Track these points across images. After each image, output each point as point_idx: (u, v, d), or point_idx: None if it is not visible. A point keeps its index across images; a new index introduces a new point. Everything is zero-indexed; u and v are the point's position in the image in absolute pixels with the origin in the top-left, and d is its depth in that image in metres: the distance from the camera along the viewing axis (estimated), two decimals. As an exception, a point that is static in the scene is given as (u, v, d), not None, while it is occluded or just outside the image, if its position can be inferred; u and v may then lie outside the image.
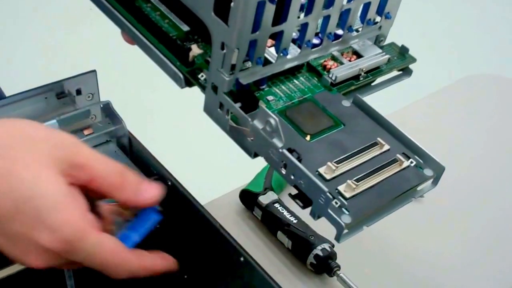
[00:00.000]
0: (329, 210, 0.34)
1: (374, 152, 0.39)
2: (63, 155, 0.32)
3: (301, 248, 0.59)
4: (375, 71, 0.45)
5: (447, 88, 0.89)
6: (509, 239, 0.66)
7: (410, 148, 0.40)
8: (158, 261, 0.37)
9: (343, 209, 0.35)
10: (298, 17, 0.39)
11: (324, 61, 0.44)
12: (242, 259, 0.46)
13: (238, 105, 0.38)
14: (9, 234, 0.32)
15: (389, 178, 0.37)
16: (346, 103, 0.42)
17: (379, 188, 0.37)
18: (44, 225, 0.31)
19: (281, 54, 0.41)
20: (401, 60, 0.46)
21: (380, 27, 0.46)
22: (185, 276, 0.51)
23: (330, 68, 0.44)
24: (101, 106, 0.53)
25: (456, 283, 0.62)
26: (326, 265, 0.58)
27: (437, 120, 0.81)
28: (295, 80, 0.43)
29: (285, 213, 0.61)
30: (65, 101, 0.52)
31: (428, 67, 1.80)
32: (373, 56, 0.45)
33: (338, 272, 0.58)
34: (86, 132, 0.53)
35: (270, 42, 0.41)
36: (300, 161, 0.36)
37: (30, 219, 0.31)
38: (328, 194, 0.34)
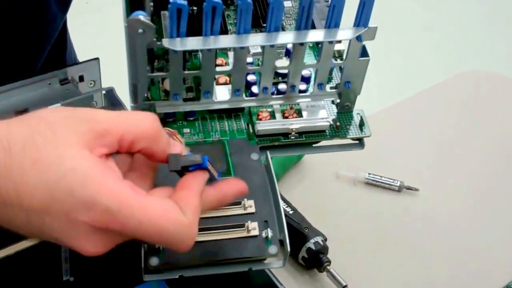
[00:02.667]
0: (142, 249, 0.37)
1: (235, 210, 0.40)
2: (84, 129, 0.31)
3: (294, 240, 0.57)
4: (316, 134, 0.45)
5: (441, 84, 0.85)
6: (504, 239, 0.66)
7: (276, 220, 0.40)
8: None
9: (156, 253, 0.38)
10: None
11: (261, 111, 0.46)
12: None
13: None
14: (53, 226, 0.31)
15: (229, 240, 0.39)
16: (255, 156, 0.44)
17: (212, 245, 0.38)
18: (80, 202, 0.30)
19: (205, 97, 0.44)
20: (353, 132, 0.46)
21: (340, 94, 0.46)
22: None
23: (261, 119, 0.45)
24: (104, 92, 0.55)
25: (449, 281, 0.62)
26: (317, 260, 0.58)
27: (431, 116, 0.78)
28: (226, 121, 0.46)
29: (282, 203, 0.61)
30: (68, 87, 0.54)
31: (426, 62, 1.73)
32: (313, 119, 0.45)
33: (328, 267, 0.58)
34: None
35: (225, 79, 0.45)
36: None
37: (66, 201, 0.30)
38: None
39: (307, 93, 0.46)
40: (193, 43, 0.39)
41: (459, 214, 0.68)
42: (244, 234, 0.40)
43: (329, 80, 0.47)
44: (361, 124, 0.47)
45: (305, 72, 0.47)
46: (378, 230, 0.65)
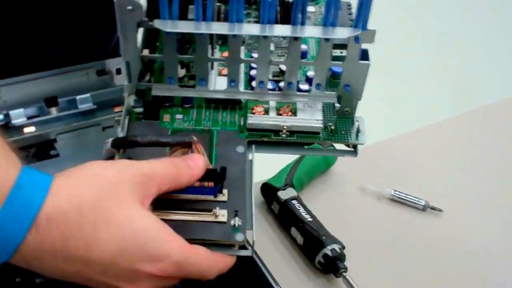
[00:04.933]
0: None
1: (201, 200, 0.40)
2: (137, 184, 0.35)
3: (311, 246, 0.60)
4: (308, 135, 0.44)
5: (478, 110, 0.81)
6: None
7: (247, 212, 0.40)
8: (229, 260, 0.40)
9: None
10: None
11: (257, 105, 0.45)
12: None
13: (139, 109, 0.45)
14: (118, 272, 0.35)
15: (196, 222, 0.39)
16: (241, 149, 0.43)
17: (179, 225, 0.39)
18: (152, 256, 0.35)
19: (200, 85, 0.44)
20: (347, 138, 0.45)
21: (340, 98, 0.45)
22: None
23: (255, 113, 0.45)
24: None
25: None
26: (333, 265, 0.59)
27: (465, 140, 0.75)
28: (221, 113, 0.46)
29: (301, 210, 0.62)
30: (104, 78, 0.55)
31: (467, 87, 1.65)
32: (306, 120, 0.44)
33: (344, 273, 0.59)
34: (116, 109, 0.55)
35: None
36: None
37: (138, 253, 0.35)
38: None
39: (304, 93, 0.45)
40: (183, 26, 0.39)
41: (482, 241, 0.65)
42: (212, 219, 0.39)
43: (335, 85, 0.46)
44: (358, 131, 0.45)
45: (310, 73, 0.46)
46: (398, 246, 0.64)
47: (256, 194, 0.64)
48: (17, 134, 0.49)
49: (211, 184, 0.40)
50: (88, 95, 0.53)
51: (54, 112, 0.52)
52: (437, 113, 1.16)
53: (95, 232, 0.34)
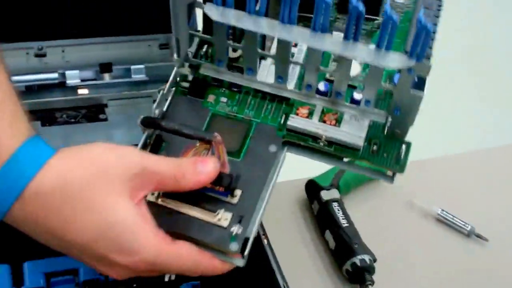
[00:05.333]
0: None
1: (212, 197, 0.40)
2: (134, 174, 0.36)
3: (342, 252, 0.59)
4: (347, 149, 0.42)
5: None
6: None
7: (252, 220, 0.39)
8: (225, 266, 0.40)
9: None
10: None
11: (303, 107, 0.43)
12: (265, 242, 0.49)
13: (186, 84, 0.44)
14: (93, 255, 0.36)
15: (197, 220, 0.39)
16: (273, 148, 0.42)
17: (181, 217, 0.39)
18: (124, 250, 0.35)
19: (247, 73, 0.43)
20: (386, 162, 0.41)
21: (387, 118, 0.41)
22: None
23: (297, 114, 0.43)
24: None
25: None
26: (360, 276, 0.57)
27: None
28: (267, 104, 0.44)
29: (340, 214, 0.61)
30: (165, 52, 0.55)
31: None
32: (346, 133, 0.41)
33: (370, 286, 0.57)
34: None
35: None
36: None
37: (111, 244, 0.35)
38: None
39: (352, 105, 0.42)
40: (229, 16, 0.38)
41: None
42: (213, 220, 0.39)
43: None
44: (399, 158, 0.42)
45: (356, 95, 0.42)
46: (434, 270, 0.61)
47: (300, 190, 0.64)
48: (71, 94, 0.52)
49: (221, 188, 0.39)
50: (142, 66, 0.53)
51: (107, 78, 0.53)
52: (496, 139, 1.13)
53: (75, 215, 0.35)
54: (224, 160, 0.39)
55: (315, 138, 0.42)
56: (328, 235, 0.60)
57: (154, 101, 0.53)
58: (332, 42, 0.37)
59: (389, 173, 0.42)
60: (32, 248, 0.43)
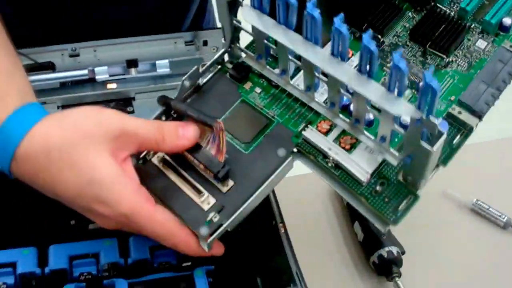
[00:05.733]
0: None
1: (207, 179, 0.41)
2: (114, 137, 0.38)
3: (369, 244, 0.58)
4: (350, 179, 0.40)
5: None
6: None
7: (231, 216, 0.40)
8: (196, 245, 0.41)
9: None
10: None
11: (325, 121, 0.43)
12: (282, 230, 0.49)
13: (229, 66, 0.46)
14: (78, 206, 0.39)
15: (183, 194, 0.41)
16: (282, 152, 0.42)
17: (171, 186, 0.42)
18: (103, 202, 0.38)
19: (280, 75, 0.43)
20: (383, 208, 0.39)
21: (400, 162, 0.39)
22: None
23: (317, 128, 0.42)
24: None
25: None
26: (387, 268, 0.56)
27: None
28: (298, 107, 0.44)
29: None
30: (190, 48, 0.58)
31: None
32: (354, 163, 0.40)
33: (396, 279, 0.56)
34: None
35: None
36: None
37: (92, 198, 0.38)
38: None
39: (370, 135, 0.40)
40: (260, 22, 0.38)
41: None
42: (196, 199, 0.41)
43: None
44: (398, 212, 0.39)
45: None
46: (466, 262, 0.59)
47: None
48: (101, 89, 0.55)
49: (211, 174, 0.41)
50: (166, 61, 0.56)
51: (133, 73, 0.56)
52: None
53: (60, 174, 0.38)
54: (222, 147, 0.41)
55: (325, 156, 0.41)
56: (357, 226, 0.60)
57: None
58: (348, 72, 0.36)
59: (386, 221, 0.40)
60: (57, 233, 0.49)
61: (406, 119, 0.35)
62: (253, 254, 0.50)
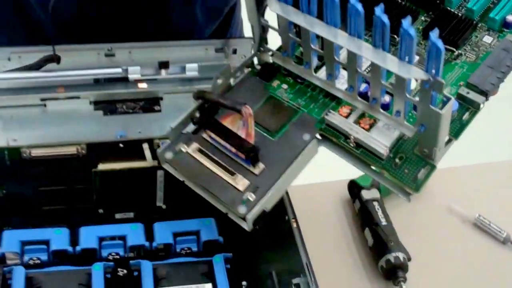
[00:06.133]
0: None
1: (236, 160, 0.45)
2: None
3: (378, 249, 0.61)
4: (371, 154, 0.44)
5: None
6: None
7: (264, 194, 0.43)
8: None
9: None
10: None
11: (346, 106, 0.47)
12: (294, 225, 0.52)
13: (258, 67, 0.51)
14: None
15: (220, 178, 0.45)
16: (307, 137, 0.46)
17: (207, 172, 0.45)
18: None
19: (304, 67, 0.48)
20: (405, 179, 0.43)
21: (415, 135, 0.43)
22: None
23: (339, 112, 0.47)
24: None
25: None
26: (393, 273, 0.59)
27: None
28: (321, 98, 0.49)
29: (380, 213, 0.63)
30: (219, 55, 0.62)
31: None
32: (373, 139, 0.44)
33: (402, 283, 0.59)
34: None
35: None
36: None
37: None
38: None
39: (386, 113, 0.44)
40: (283, 11, 0.44)
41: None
42: (231, 182, 0.45)
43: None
44: (416, 177, 0.43)
45: None
46: (467, 272, 0.63)
47: (343, 190, 0.68)
48: (132, 88, 0.59)
49: (243, 155, 0.45)
50: (196, 64, 0.60)
51: (164, 74, 0.60)
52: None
53: None
54: (251, 131, 0.45)
55: (347, 137, 0.46)
56: (367, 232, 0.63)
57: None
58: (364, 47, 0.41)
59: (408, 190, 0.44)
60: (86, 219, 0.53)
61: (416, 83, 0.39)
62: (268, 245, 0.53)
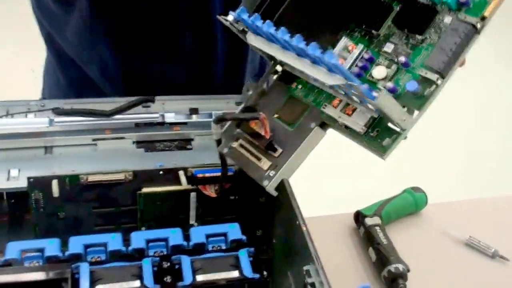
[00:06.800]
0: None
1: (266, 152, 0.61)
2: None
3: (380, 262, 0.72)
4: (354, 132, 0.58)
5: None
6: None
7: (281, 169, 0.59)
8: None
9: None
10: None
11: (337, 99, 0.60)
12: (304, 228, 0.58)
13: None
14: None
15: (252, 162, 0.61)
16: (312, 125, 0.61)
17: (245, 159, 0.62)
18: None
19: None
20: (376, 145, 0.55)
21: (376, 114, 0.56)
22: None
23: (331, 104, 0.60)
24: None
25: None
26: (394, 282, 0.70)
27: None
28: (324, 93, 0.62)
29: (381, 235, 0.75)
30: (239, 107, 0.69)
31: None
32: (353, 121, 0.57)
33: None
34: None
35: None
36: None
37: None
38: None
39: (357, 100, 0.57)
40: (257, 43, 0.60)
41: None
42: (258, 163, 0.61)
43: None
44: (383, 144, 0.55)
45: None
46: (460, 283, 0.73)
47: (350, 220, 0.81)
48: (168, 130, 0.72)
49: (263, 146, 0.61)
50: (221, 112, 0.73)
51: (194, 118, 0.74)
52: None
53: None
54: (266, 129, 0.61)
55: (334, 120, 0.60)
56: (371, 250, 0.75)
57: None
58: (304, 63, 0.55)
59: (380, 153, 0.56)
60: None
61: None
62: (281, 242, 0.65)
